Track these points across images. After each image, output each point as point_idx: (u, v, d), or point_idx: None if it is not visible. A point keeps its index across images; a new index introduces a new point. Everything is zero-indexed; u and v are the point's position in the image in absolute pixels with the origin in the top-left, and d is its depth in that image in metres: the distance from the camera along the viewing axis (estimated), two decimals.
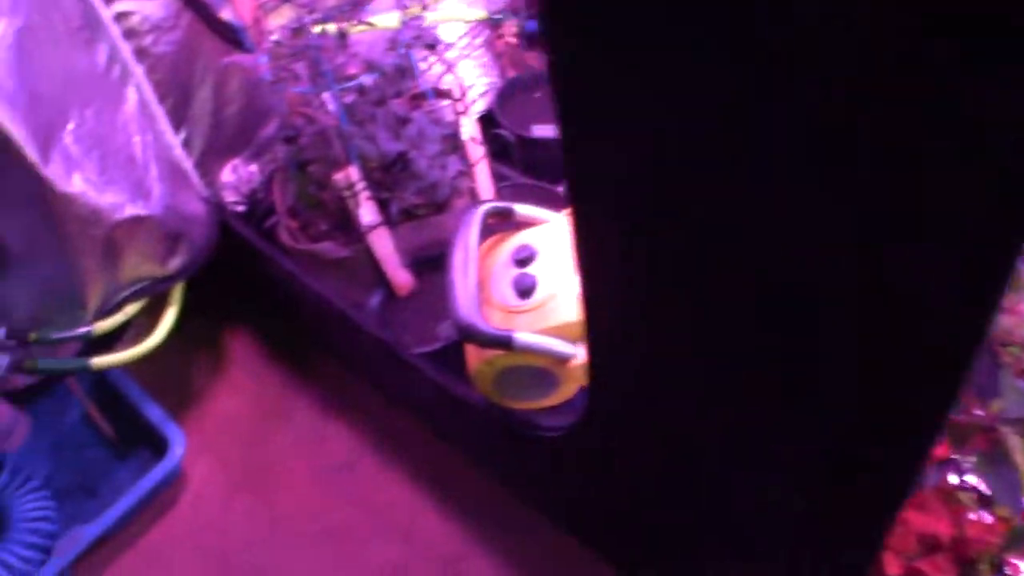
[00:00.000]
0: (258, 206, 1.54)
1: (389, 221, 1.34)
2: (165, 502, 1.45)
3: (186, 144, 1.43)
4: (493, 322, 0.98)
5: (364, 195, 1.32)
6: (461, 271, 1.00)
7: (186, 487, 1.46)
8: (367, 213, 1.33)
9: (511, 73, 1.65)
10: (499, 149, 1.51)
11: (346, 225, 1.39)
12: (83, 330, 1.30)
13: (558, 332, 0.96)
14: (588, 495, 1.15)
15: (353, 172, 1.30)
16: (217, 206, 1.46)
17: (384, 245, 1.36)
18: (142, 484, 1.39)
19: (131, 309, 1.35)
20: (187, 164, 1.44)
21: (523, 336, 0.95)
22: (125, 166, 1.28)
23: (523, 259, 1.04)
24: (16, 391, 1.34)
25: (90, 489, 1.50)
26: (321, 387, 1.54)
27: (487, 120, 1.54)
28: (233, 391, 1.56)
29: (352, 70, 1.29)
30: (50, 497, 1.43)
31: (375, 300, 1.42)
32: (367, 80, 1.29)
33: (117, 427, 1.53)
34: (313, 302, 1.40)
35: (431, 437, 1.42)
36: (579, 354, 0.97)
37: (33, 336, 1.27)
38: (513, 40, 1.61)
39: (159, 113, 1.38)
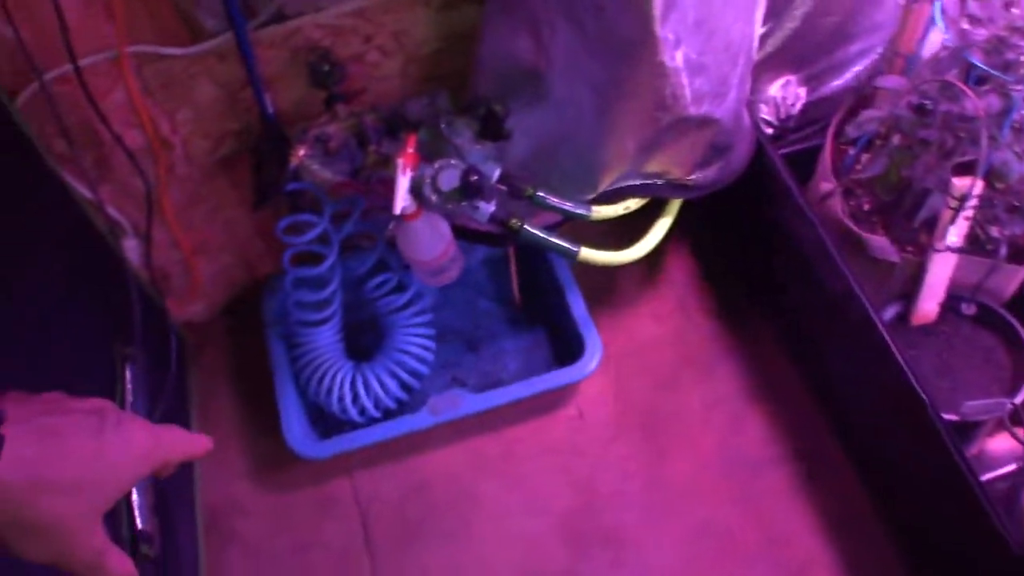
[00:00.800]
0: (786, 135, 1.26)
1: (966, 251, 1.05)
2: (544, 406, 1.28)
3: (760, 40, 1.15)
4: None
5: (966, 213, 1.02)
6: None
7: (570, 402, 1.29)
8: (953, 233, 1.04)
9: None
10: None
11: (905, 225, 1.11)
12: (580, 210, 1.10)
13: None
14: None
15: (977, 186, 1.00)
16: (754, 122, 1.20)
17: (942, 272, 1.08)
18: (538, 380, 1.22)
19: (633, 204, 1.14)
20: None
21: None
22: (719, 53, 1.02)
23: None
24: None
25: (471, 342, 1.35)
26: (757, 363, 1.30)
27: None
28: (659, 322, 1.34)
29: None
30: (434, 338, 1.29)
31: (888, 313, 1.15)
32: None
33: (525, 297, 1.36)
34: (818, 281, 1.14)
35: (873, 499, 1.18)
36: None
37: (528, 191, 1.07)
38: None
39: None
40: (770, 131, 1.24)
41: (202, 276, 1.33)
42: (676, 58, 0.95)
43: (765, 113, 1.23)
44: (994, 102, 0.97)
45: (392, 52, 1.10)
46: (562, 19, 0.96)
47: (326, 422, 1.27)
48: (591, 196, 1.11)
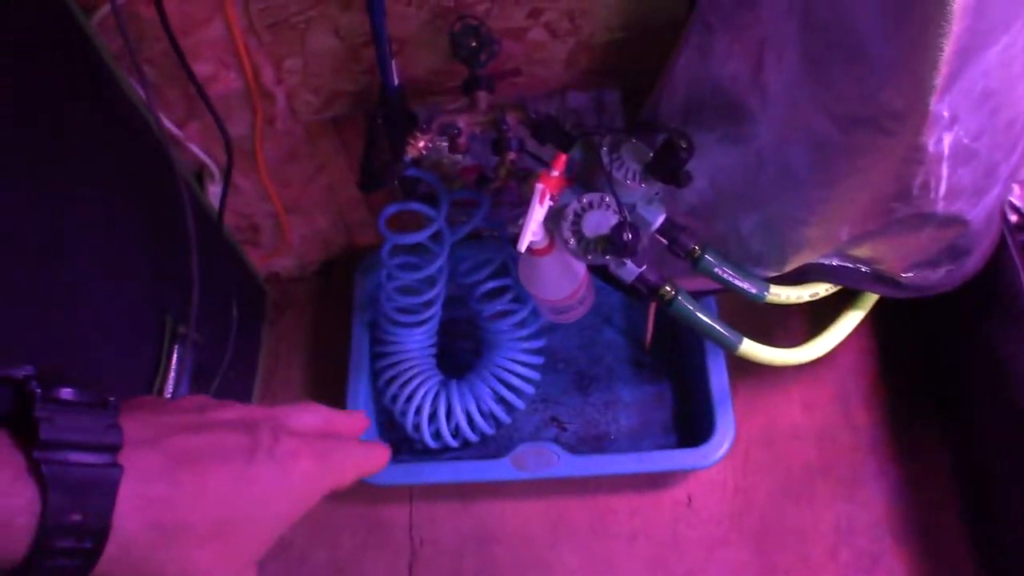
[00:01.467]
0: None
1: None
2: (649, 481, 1.06)
3: None
4: None
5: None
6: None
7: (682, 483, 1.06)
8: None
9: None
10: None
11: None
12: (755, 289, 0.84)
13: None
14: None
15: None
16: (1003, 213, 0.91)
17: None
18: (653, 457, 0.99)
19: (822, 291, 0.87)
20: None
21: None
22: (998, 135, 0.73)
23: None
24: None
25: (582, 379, 1.13)
26: (915, 492, 1.04)
27: None
28: (809, 412, 1.08)
29: None
30: (540, 368, 1.07)
31: None
32: None
33: (658, 340, 1.12)
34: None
35: None
36: None
37: (695, 252, 0.82)
38: None
39: None
40: (1015, 219, 0.95)
41: (295, 235, 1.14)
42: (943, 141, 0.68)
43: (1017, 197, 0.94)
44: None
45: (562, 33, 0.85)
46: (799, 45, 0.69)
47: (396, 432, 1.09)
48: (773, 275, 0.85)
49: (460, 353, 1.13)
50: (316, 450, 0.40)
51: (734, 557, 1.01)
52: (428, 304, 1.03)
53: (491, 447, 1.08)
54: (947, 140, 0.68)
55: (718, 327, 0.84)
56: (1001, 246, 0.90)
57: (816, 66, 0.68)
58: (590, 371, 1.13)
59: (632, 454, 0.99)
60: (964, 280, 0.86)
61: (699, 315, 0.84)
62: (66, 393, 0.34)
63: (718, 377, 1.01)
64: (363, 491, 1.05)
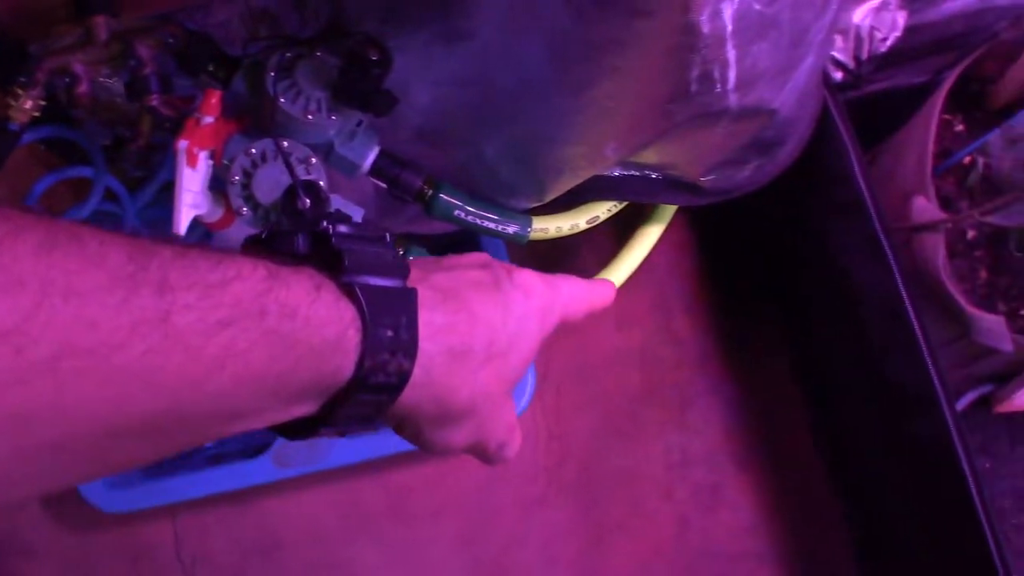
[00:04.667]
0: (861, 83, 0.74)
1: None
2: None
3: None
4: None
5: None
6: None
7: None
8: None
9: None
10: None
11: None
12: (512, 227, 0.60)
13: None
14: None
15: None
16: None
17: None
18: None
19: (603, 214, 0.64)
20: None
21: None
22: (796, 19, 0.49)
23: None
24: None
25: None
26: (753, 410, 0.86)
27: None
28: (625, 331, 0.85)
29: None
30: None
31: (966, 399, 0.71)
32: None
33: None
34: (876, 352, 0.68)
35: None
36: None
37: (424, 190, 0.57)
38: None
39: None
40: (840, 76, 0.73)
41: None
42: (723, 13, 0.43)
43: (839, 51, 0.71)
44: None
45: None
46: None
47: None
48: (535, 205, 0.61)
49: None
50: (544, 278, 0.42)
51: (555, 518, 0.82)
52: None
53: (256, 436, 0.84)
54: (728, 11, 0.44)
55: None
56: (824, 116, 0.67)
57: None
58: None
59: None
60: (776, 175, 0.64)
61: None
62: (348, 228, 0.33)
63: None
64: (113, 517, 0.81)
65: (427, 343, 0.33)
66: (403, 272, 0.34)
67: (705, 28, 0.43)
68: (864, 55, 0.73)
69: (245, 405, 0.28)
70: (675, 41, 0.44)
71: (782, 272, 0.84)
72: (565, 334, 0.81)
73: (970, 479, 0.61)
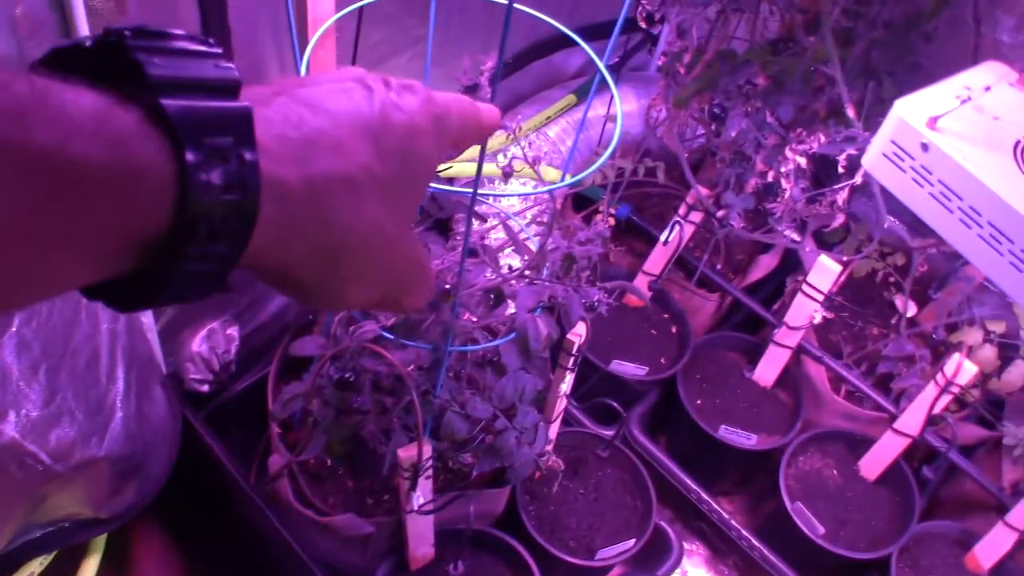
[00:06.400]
0: (226, 385, 1.00)
1: (439, 503, 0.88)
2: None
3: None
4: None
5: (426, 473, 0.85)
6: None
7: None
8: (421, 495, 0.86)
9: None
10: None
11: (373, 492, 0.92)
12: None
13: None
14: None
15: (426, 449, 0.82)
16: (179, 393, 0.92)
17: (424, 526, 0.90)
18: None
19: (36, 567, 0.79)
20: (153, 334, 0.88)
21: None
22: (82, 377, 0.72)
23: None
24: None
25: None
26: None
27: None
28: None
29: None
30: None
31: (381, 571, 0.95)
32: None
33: None
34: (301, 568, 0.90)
35: None
36: None
37: None
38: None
39: None
40: (206, 389, 0.97)
41: None
42: (6, 432, 0.64)
43: (193, 374, 0.96)
44: (424, 356, 0.80)
45: None
46: None
47: None
48: None
49: None
50: (423, 88, 0.34)
51: None
52: None
53: None
54: (11, 425, 0.64)
55: None
56: (194, 434, 0.91)
57: None
58: None
59: None
60: (163, 480, 0.85)
61: None
62: (151, 34, 0.26)
63: None
64: None
65: (280, 168, 0.27)
66: (230, 86, 0.27)
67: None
68: (217, 367, 0.99)
69: (18, 264, 0.23)
70: None
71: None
72: None
73: None
